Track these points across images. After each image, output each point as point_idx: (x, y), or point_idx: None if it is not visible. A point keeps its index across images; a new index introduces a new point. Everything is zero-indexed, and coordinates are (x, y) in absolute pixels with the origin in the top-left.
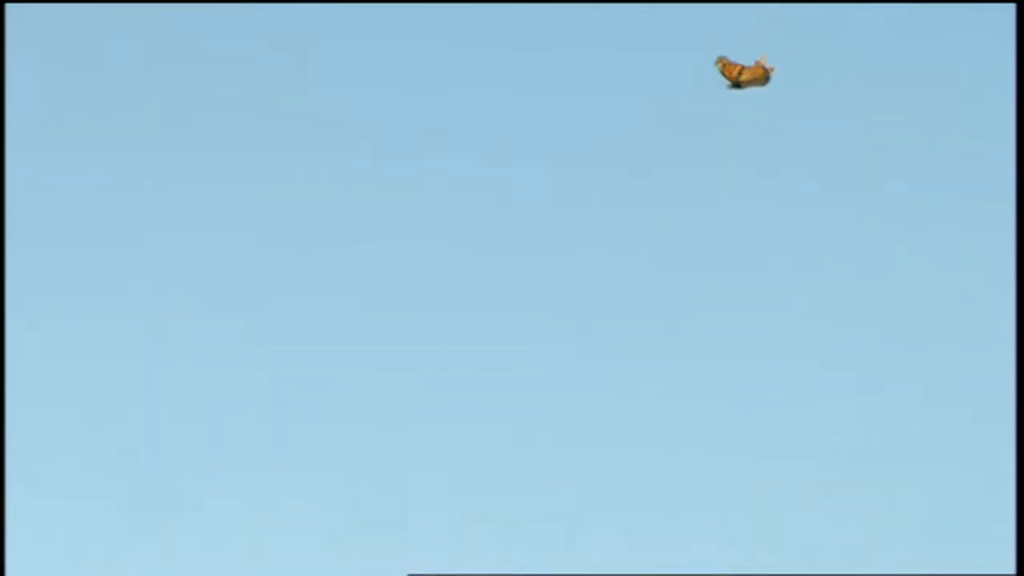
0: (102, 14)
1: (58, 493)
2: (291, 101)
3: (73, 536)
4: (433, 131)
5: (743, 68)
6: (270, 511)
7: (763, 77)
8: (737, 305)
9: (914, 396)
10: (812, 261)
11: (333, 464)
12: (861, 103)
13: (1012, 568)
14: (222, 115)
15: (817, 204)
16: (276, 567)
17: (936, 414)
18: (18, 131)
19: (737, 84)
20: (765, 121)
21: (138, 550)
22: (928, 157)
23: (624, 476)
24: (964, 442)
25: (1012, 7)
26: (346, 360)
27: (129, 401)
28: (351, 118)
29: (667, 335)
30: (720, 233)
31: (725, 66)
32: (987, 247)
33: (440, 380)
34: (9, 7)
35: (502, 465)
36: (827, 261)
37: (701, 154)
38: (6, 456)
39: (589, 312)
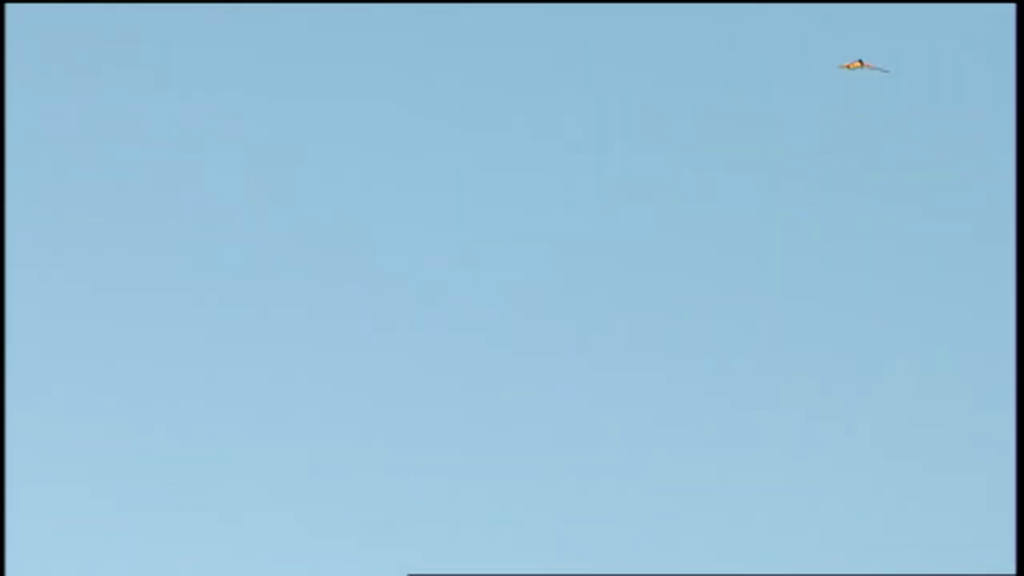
0: (102, 14)
1: (58, 493)
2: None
3: (73, 536)
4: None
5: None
6: (271, 511)
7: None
8: (739, 305)
9: (915, 396)
10: (813, 260)
11: (333, 465)
12: (860, 103)
13: (1012, 568)
14: (225, 116)
15: (817, 204)
16: (277, 567)
17: (937, 415)
18: (18, 130)
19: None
20: (766, 121)
21: (138, 550)
22: (928, 156)
23: (623, 477)
24: (964, 443)
25: (1012, 7)
26: (346, 361)
27: (129, 401)
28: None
29: (667, 337)
30: (720, 234)
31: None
32: (987, 245)
33: (441, 381)
34: (9, 7)
35: (502, 466)
36: (827, 260)
37: (684, 151)
38: (6, 456)
39: (598, 321)
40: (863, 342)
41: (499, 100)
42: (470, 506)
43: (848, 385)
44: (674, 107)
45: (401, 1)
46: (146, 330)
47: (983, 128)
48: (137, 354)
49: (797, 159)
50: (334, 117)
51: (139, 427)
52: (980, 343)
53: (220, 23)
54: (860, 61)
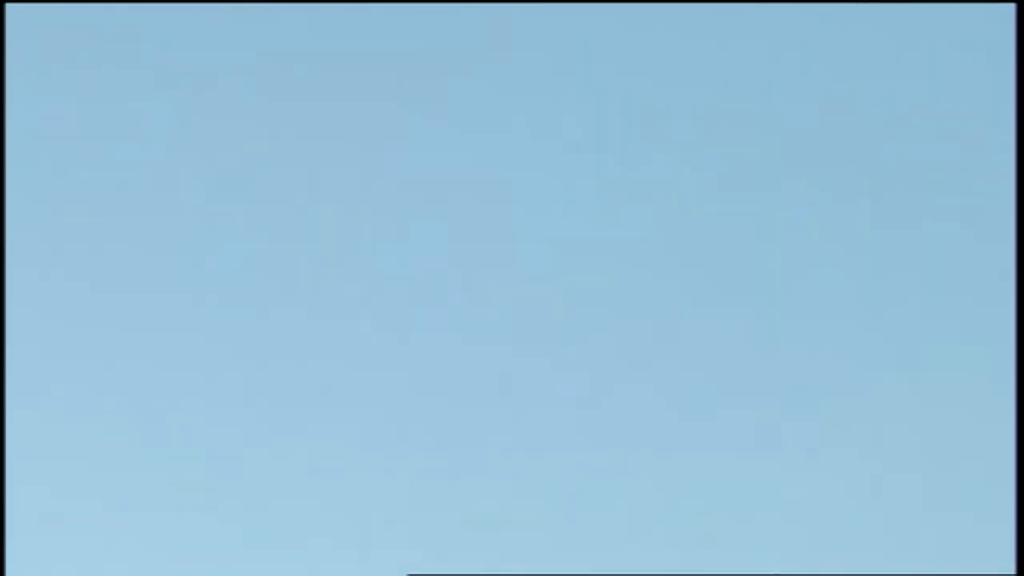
0: (102, 14)
1: (58, 493)
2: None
3: (73, 536)
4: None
5: None
6: (271, 511)
7: None
8: (739, 305)
9: (914, 396)
10: (813, 260)
11: (333, 465)
12: (860, 103)
13: (1012, 568)
14: (227, 117)
15: (817, 204)
16: (277, 567)
17: (936, 415)
18: (18, 130)
19: None
20: (766, 121)
21: (138, 550)
22: (928, 156)
23: (622, 477)
24: (964, 443)
25: (1012, 7)
26: (346, 361)
27: (129, 401)
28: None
29: (666, 337)
30: (720, 234)
31: None
32: (987, 246)
33: (441, 381)
34: (9, 7)
35: (502, 466)
36: (828, 260)
37: (689, 150)
38: (6, 456)
39: (598, 321)
40: (862, 342)
41: (499, 100)
42: (470, 506)
43: (847, 385)
44: (674, 107)
45: (401, 1)
46: (146, 330)
47: (983, 128)
48: (137, 354)
49: (797, 159)
50: (334, 117)
51: (139, 427)
52: (980, 343)
53: (220, 23)
54: None
